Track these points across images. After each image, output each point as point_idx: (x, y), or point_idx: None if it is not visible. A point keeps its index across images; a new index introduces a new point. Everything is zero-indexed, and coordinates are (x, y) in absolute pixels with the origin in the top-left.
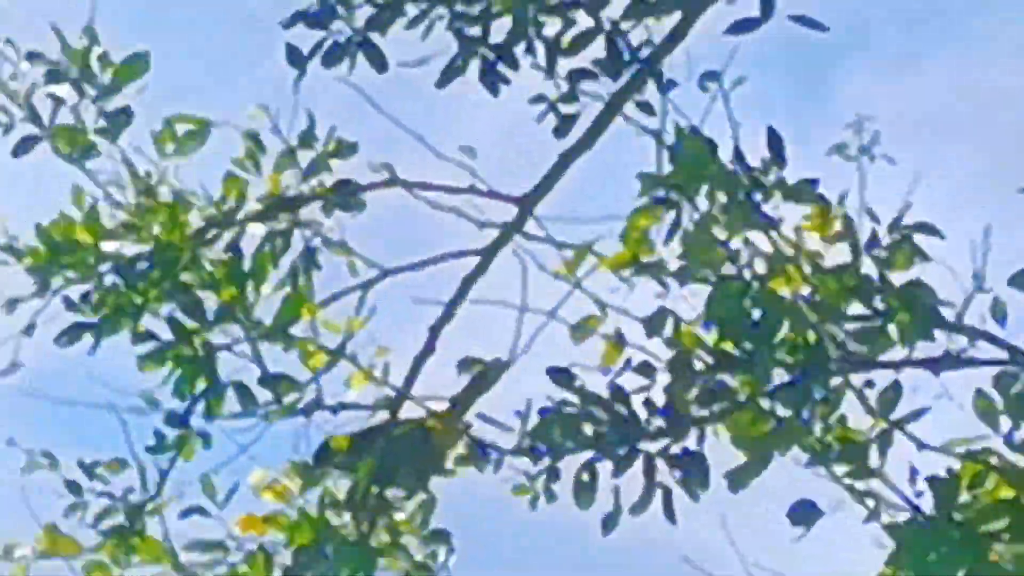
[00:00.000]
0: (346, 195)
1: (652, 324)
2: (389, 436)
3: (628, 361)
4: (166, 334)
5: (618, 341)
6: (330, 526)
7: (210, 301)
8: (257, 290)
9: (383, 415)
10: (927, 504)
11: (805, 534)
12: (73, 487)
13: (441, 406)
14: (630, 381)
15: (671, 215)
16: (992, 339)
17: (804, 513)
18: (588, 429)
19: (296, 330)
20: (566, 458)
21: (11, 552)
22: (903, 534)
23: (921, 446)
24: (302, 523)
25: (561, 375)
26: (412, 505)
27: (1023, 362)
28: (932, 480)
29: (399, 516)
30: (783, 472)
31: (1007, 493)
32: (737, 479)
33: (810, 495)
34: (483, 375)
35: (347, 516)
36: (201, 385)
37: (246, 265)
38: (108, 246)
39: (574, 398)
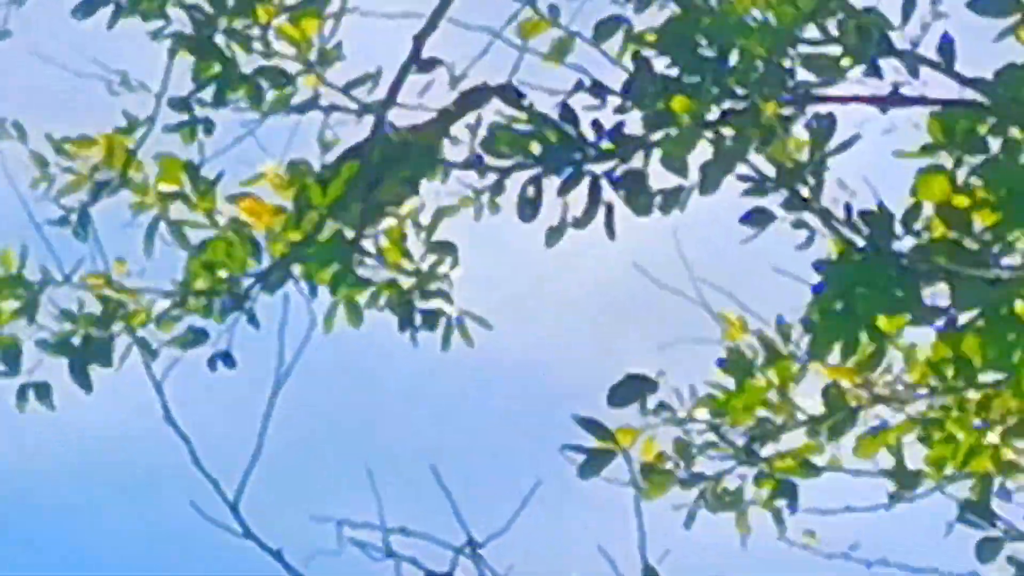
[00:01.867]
0: None
1: (601, 30)
2: (376, 140)
3: (579, 82)
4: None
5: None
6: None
7: None
8: None
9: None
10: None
11: (757, 234)
12: (39, 160)
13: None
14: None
15: None
16: (942, 68)
17: (757, 217)
18: (535, 147)
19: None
20: (513, 175)
21: None
22: (829, 267)
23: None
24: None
25: (508, 92)
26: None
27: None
28: (865, 214)
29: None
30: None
31: (943, 233)
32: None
33: None
34: (472, 93)
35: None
36: (214, 71)
37: None
38: None
39: (522, 115)
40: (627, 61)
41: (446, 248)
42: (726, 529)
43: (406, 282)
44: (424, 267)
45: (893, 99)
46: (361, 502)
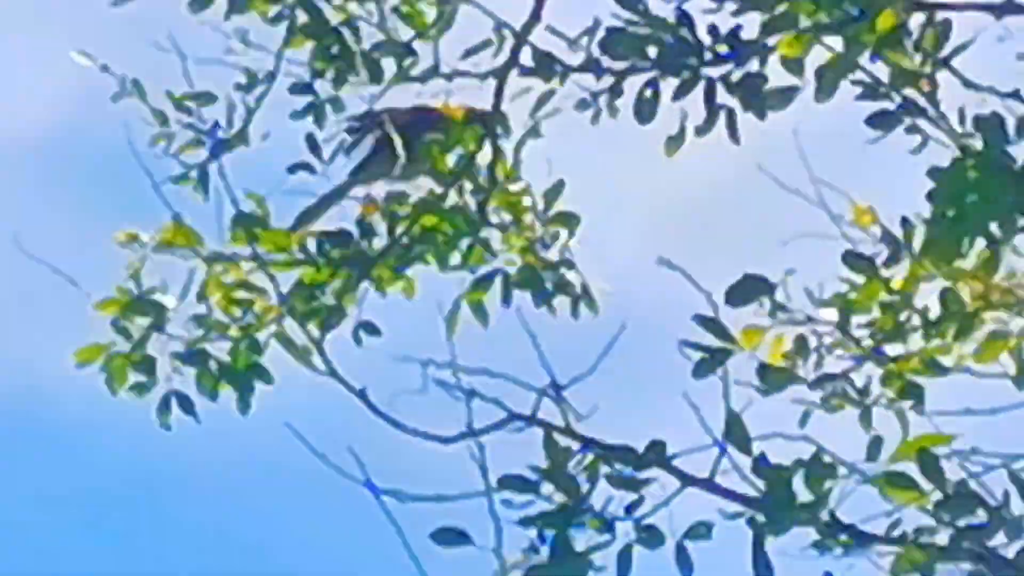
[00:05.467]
0: None
1: None
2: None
3: None
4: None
5: None
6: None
7: None
8: None
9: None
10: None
11: (882, 137)
12: (159, 116)
13: None
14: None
15: None
16: None
17: (881, 119)
18: (652, 50)
19: None
20: (629, 78)
21: (132, 242)
22: (942, 174)
23: (967, 84)
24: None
25: None
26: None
27: None
28: (979, 119)
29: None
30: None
31: None
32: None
33: None
34: None
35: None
36: (333, 53)
37: None
38: None
39: (639, 19)
40: None
41: (567, 218)
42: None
43: (531, 256)
44: (547, 238)
45: (1007, 6)
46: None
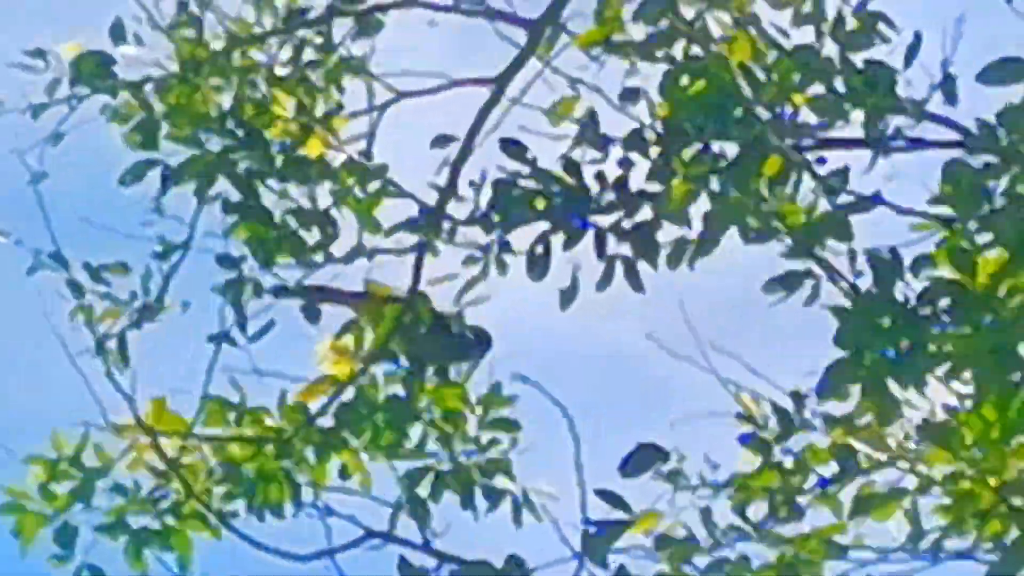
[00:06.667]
0: (365, 13)
1: (626, 96)
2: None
3: (582, 134)
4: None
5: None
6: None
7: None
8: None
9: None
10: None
11: (784, 299)
12: (75, 288)
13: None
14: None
15: None
16: (946, 122)
17: (785, 281)
18: (540, 202)
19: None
20: (519, 230)
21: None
22: (843, 313)
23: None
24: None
25: (513, 147)
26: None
27: (974, 145)
28: (872, 259)
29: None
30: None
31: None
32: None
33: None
34: None
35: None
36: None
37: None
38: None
39: (526, 170)
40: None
41: (508, 425)
42: None
43: (465, 457)
44: (483, 440)
45: (895, 142)
46: None
